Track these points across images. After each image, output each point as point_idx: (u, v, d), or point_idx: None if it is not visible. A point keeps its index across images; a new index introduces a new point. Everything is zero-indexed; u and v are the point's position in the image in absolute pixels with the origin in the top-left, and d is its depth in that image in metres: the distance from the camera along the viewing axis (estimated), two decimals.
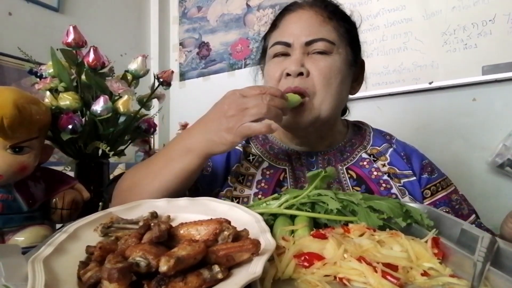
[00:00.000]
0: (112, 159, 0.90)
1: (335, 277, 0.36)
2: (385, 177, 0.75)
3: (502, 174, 1.32)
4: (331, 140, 0.81)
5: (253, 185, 0.74)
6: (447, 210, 0.74)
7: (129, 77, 0.92)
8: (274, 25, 0.80)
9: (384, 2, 1.58)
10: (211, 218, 0.41)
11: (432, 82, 1.45)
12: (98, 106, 0.79)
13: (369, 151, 0.80)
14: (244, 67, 2.04)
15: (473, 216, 0.76)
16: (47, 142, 0.74)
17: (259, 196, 0.72)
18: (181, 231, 0.40)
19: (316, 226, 0.49)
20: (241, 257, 0.34)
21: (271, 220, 0.49)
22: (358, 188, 0.73)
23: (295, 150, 0.80)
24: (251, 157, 0.79)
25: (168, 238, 0.38)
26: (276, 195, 0.55)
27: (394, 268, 0.36)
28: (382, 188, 0.73)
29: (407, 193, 0.73)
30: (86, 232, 0.44)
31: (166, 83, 0.93)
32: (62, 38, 0.82)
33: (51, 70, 0.83)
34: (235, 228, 0.38)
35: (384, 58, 1.56)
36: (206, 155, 0.61)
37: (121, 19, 2.12)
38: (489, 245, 0.39)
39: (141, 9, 2.26)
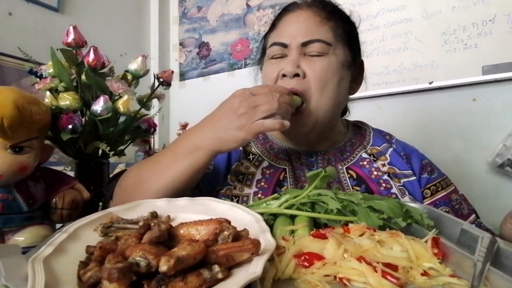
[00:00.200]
0: (112, 159, 0.90)
1: (335, 277, 0.36)
2: (385, 177, 0.75)
3: (502, 174, 1.32)
4: (332, 140, 0.81)
5: (253, 184, 0.74)
6: (447, 210, 0.74)
7: (129, 77, 0.92)
8: (273, 25, 0.80)
9: (384, 2, 1.57)
10: (211, 218, 0.41)
11: (432, 82, 1.45)
12: (98, 106, 0.79)
13: (369, 151, 0.80)
14: (244, 67, 2.04)
15: (473, 216, 0.76)
16: (47, 142, 0.74)
17: (259, 195, 0.72)
18: (181, 231, 0.40)
19: (316, 226, 0.49)
20: (241, 257, 0.34)
21: (271, 220, 0.49)
22: (358, 188, 0.73)
23: (295, 150, 0.80)
24: (251, 156, 0.79)
25: (168, 238, 0.38)
26: (276, 195, 0.55)
27: (394, 268, 0.36)
28: (382, 188, 0.73)
29: (407, 193, 0.73)
30: (86, 232, 0.44)
31: (166, 83, 0.93)
32: (62, 38, 0.82)
33: (51, 70, 0.83)
34: (235, 228, 0.38)
35: (384, 58, 1.56)
36: (214, 153, 0.62)
37: (121, 19, 2.12)
38: (489, 245, 0.39)
39: (141, 9, 2.26)
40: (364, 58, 0.84)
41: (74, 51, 0.84)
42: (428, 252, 0.40)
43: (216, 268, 0.32)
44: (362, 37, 0.83)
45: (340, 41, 0.74)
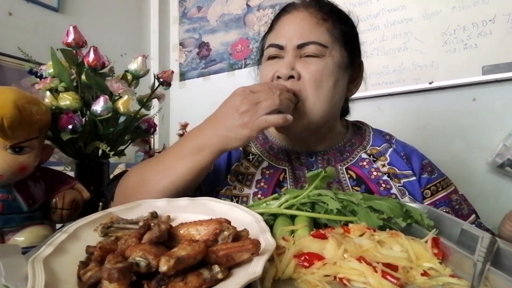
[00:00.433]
0: (112, 159, 0.90)
1: (335, 277, 0.36)
2: (385, 177, 0.75)
3: (502, 174, 1.32)
4: (331, 141, 0.81)
5: (253, 185, 0.74)
6: (447, 210, 0.74)
7: (129, 77, 0.92)
8: (271, 26, 0.80)
9: (384, 2, 1.58)
10: (211, 218, 0.41)
11: (432, 82, 1.45)
12: (98, 106, 0.79)
13: (368, 151, 0.80)
14: (244, 67, 2.04)
15: (473, 216, 0.76)
16: (47, 142, 0.74)
17: (259, 195, 0.72)
18: (181, 231, 0.40)
19: (316, 226, 0.49)
20: (241, 257, 0.34)
21: (271, 220, 0.49)
22: (357, 188, 0.73)
23: (295, 150, 0.80)
24: (250, 157, 0.79)
25: (168, 238, 0.38)
26: (276, 195, 0.55)
27: (394, 268, 0.36)
28: (381, 188, 0.73)
29: (407, 193, 0.73)
30: (86, 232, 0.44)
31: (166, 83, 0.93)
32: (62, 38, 0.82)
33: (51, 70, 0.83)
34: (235, 228, 0.38)
35: (384, 58, 1.56)
36: (219, 152, 0.62)
37: (121, 19, 2.12)
38: (489, 245, 0.39)
39: (141, 9, 2.26)
40: (364, 58, 0.83)
41: (74, 51, 0.84)
42: (428, 252, 0.40)
43: (216, 268, 0.32)
44: (362, 37, 0.82)
45: (337, 42, 0.73)
